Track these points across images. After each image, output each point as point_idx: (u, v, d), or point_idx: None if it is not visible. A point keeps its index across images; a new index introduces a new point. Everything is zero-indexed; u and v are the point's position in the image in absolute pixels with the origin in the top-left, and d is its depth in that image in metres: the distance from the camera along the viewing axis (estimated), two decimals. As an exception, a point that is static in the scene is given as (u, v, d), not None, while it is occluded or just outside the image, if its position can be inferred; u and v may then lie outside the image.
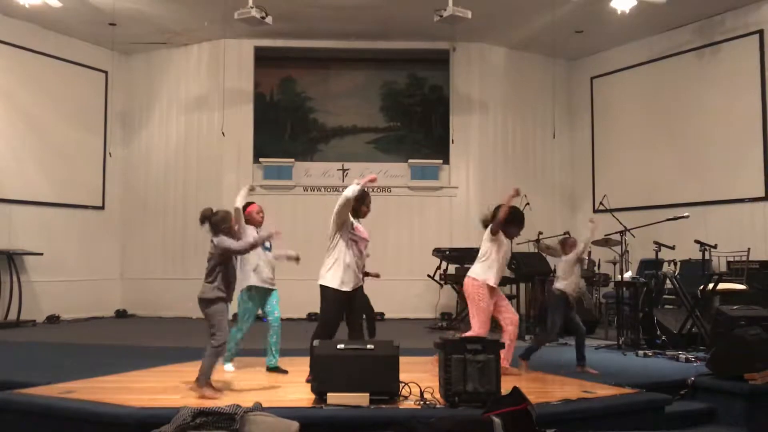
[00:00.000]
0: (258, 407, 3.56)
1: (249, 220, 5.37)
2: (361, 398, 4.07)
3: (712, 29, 9.64)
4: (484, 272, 5.32)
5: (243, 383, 4.91)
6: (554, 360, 6.07)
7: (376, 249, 6.00)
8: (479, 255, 5.43)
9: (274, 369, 5.40)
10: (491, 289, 5.31)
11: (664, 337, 6.84)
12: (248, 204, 5.47)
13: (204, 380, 4.35)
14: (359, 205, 5.02)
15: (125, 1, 9.14)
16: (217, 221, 4.52)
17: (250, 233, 5.14)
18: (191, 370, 5.46)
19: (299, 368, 5.14)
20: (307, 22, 10.01)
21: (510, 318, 5.41)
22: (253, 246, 4.73)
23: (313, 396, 4.26)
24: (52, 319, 9.65)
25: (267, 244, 5.39)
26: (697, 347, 6.59)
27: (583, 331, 5.67)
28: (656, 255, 7.32)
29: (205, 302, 4.49)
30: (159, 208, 10.98)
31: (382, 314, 8.96)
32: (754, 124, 9.06)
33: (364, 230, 5.09)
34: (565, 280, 5.69)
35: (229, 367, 5.45)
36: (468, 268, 9.00)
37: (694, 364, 5.79)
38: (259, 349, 5.63)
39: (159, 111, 11.25)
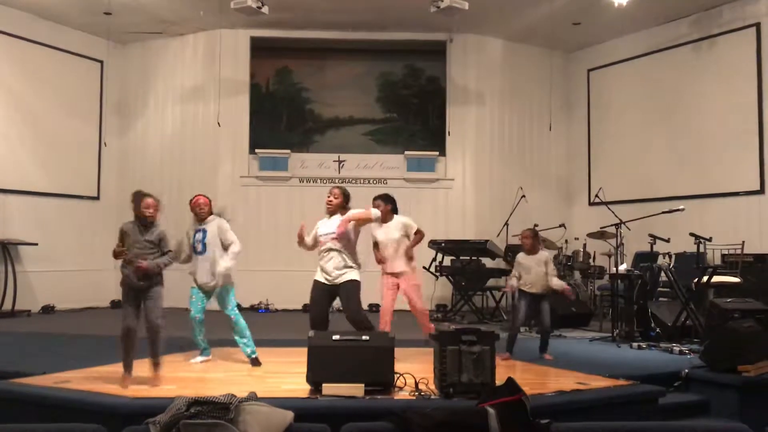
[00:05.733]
0: (253, 396, 3.57)
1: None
2: (356, 389, 4.08)
3: (709, 22, 9.62)
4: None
5: (237, 374, 4.92)
6: (550, 352, 6.09)
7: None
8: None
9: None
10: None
11: (658, 330, 6.87)
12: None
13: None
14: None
15: (120, -10, 9.10)
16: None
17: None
18: (185, 360, 5.48)
19: (293, 359, 5.14)
20: (304, 12, 9.96)
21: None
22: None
23: (308, 386, 4.27)
24: (47, 310, 9.63)
25: (199, 247, 5.58)
26: (691, 339, 6.63)
27: (546, 328, 5.83)
28: (651, 248, 7.34)
29: None
30: (154, 198, 10.94)
31: (378, 306, 8.95)
32: (750, 117, 9.06)
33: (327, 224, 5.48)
34: (526, 276, 5.81)
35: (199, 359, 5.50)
36: (465, 261, 9.15)
37: (688, 357, 5.82)
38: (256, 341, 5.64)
39: (154, 101, 11.19)
